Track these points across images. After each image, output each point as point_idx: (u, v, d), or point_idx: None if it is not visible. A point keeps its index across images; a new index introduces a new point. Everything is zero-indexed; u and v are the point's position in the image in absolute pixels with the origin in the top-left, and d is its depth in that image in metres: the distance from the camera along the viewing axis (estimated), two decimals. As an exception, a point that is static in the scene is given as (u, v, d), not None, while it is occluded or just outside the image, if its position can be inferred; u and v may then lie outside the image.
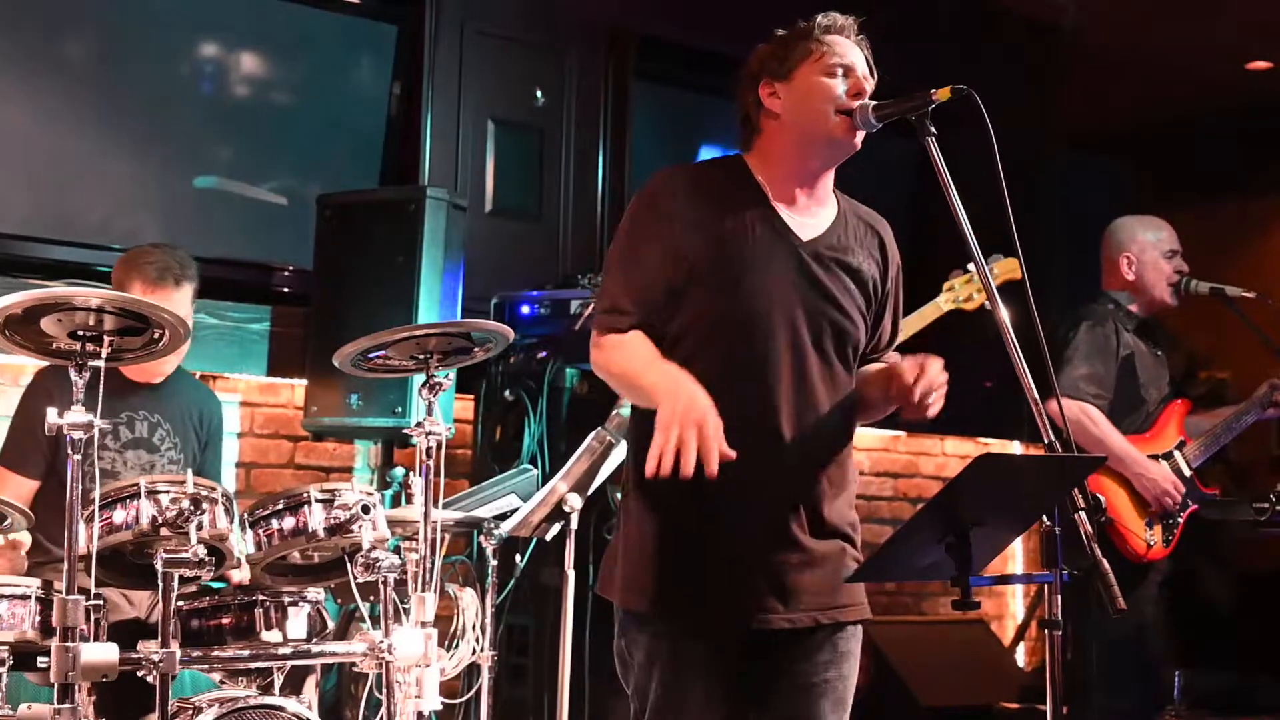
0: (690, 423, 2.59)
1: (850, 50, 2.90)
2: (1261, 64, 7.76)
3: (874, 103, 2.83)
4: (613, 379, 2.87)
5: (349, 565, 3.47)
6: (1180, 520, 4.73)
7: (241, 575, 3.86)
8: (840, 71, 2.86)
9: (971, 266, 3.79)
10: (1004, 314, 2.69)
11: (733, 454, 2.59)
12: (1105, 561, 2.50)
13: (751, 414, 2.79)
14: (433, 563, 3.51)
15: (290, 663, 3.58)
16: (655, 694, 2.81)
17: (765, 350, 2.82)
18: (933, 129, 2.76)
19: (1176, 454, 4.80)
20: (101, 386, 2.94)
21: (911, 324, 4.39)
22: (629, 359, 2.81)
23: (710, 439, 2.58)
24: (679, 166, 3.00)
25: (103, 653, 2.95)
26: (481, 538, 4.20)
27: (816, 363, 2.86)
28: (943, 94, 2.72)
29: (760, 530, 2.82)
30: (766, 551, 2.82)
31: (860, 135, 2.87)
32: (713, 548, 2.80)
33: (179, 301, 4.10)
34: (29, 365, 4.59)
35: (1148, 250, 4.91)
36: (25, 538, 3.82)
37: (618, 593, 2.88)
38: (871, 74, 2.92)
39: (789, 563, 2.82)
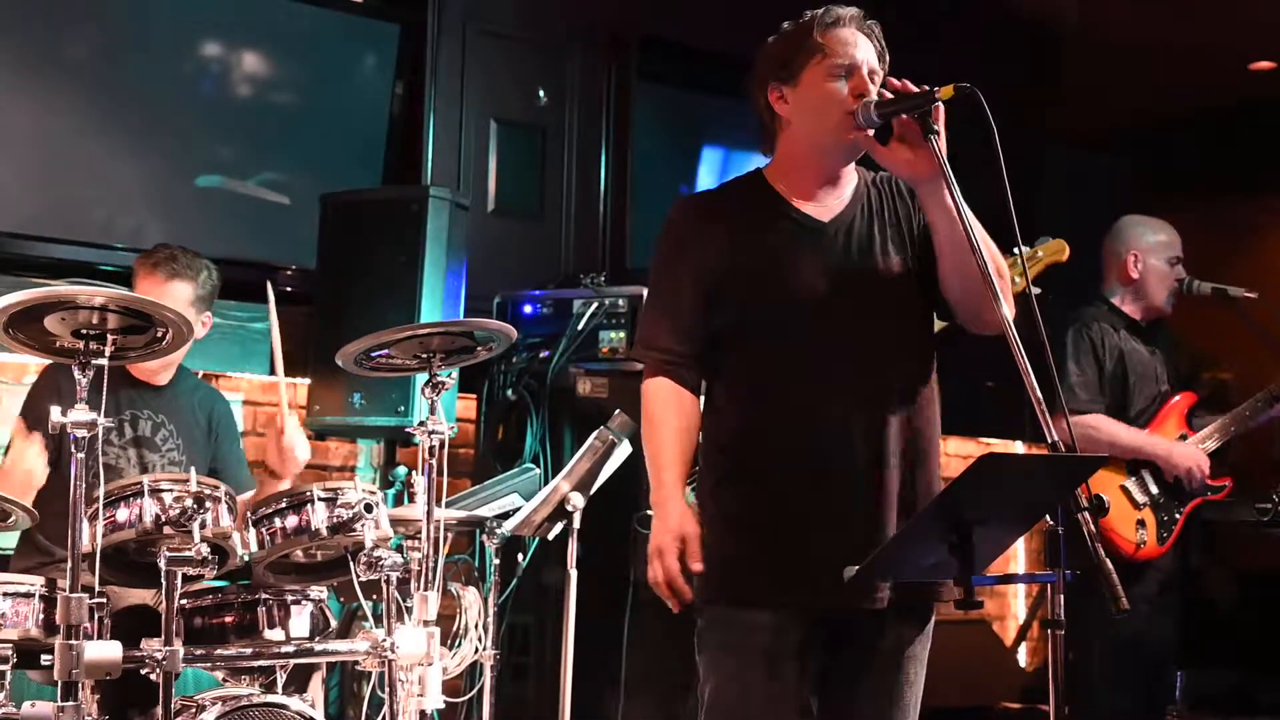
0: (655, 556, 2.85)
1: (853, 45, 2.87)
2: (1264, 64, 7.76)
3: (875, 99, 2.83)
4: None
5: (352, 564, 3.48)
6: (1179, 517, 4.73)
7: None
8: (843, 73, 2.86)
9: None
10: (1008, 314, 2.69)
11: (699, 567, 2.83)
12: (1108, 561, 2.50)
13: (810, 404, 2.84)
14: (435, 561, 3.52)
15: (293, 661, 3.58)
16: (719, 678, 2.84)
17: (810, 336, 2.84)
18: (936, 127, 2.76)
19: (1167, 440, 4.79)
20: (105, 384, 2.94)
21: None
22: (649, 441, 2.98)
23: (669, 570, 2.83)
24: (695, 193, 3.15)
25: (106, 651, 2.96)
26: (484, 537, 4.21)
27: (867, 337, 2.86)
28: (946, 92, 2.72)
29: (848, 511, 2.82)
30: (856, 531, 2.80)
31: (869, 134, 2.86)
32: (785, 533, 2.83)
33: (166, 294, 4.08)
34: (32, 364, 4.59)
35: (1154, 252, 4.91)
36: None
37: (695, 589, 2.88)
38: (883, 59, 2.91)
39: (867, 544, 2.78)
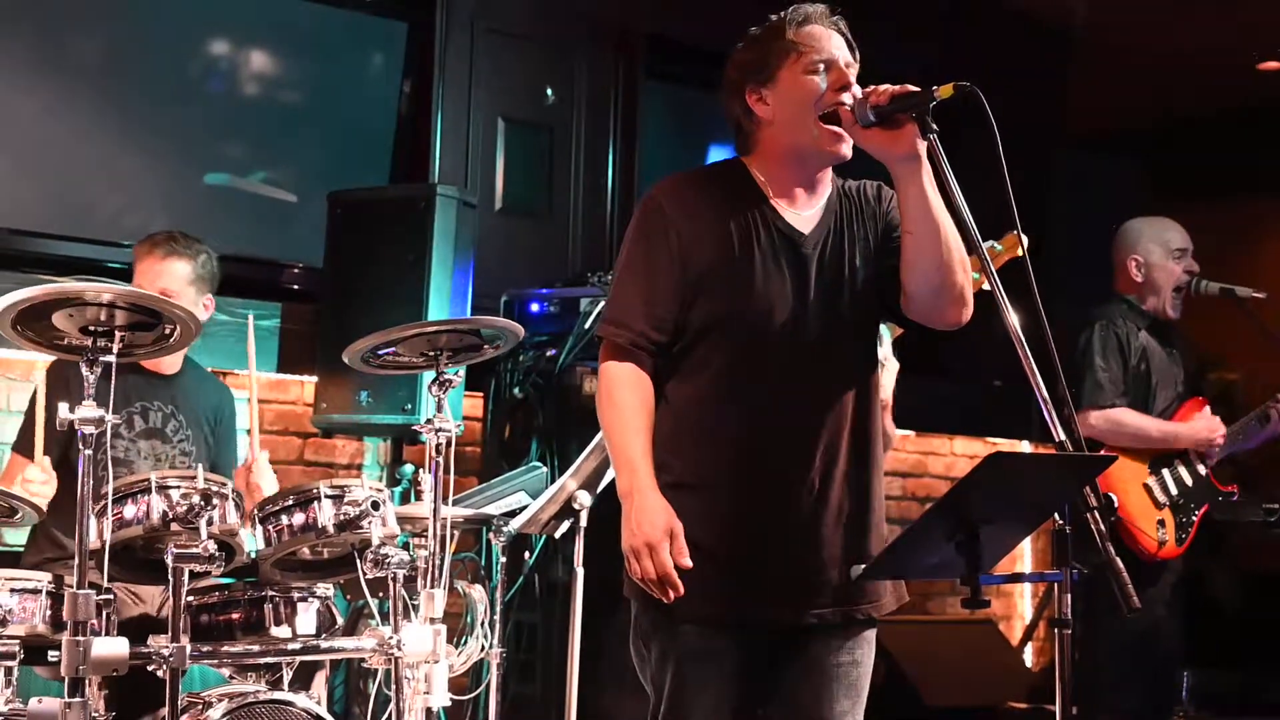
0: (645, 552, 2.75)
1: (828, 40, 2.89)
2: (1273, 64, 7.75)
3: (871, 89, 2.81)
4: (600, 420, 2.93)
5: (358, 561, 3.48)
6: (1195, 519, 4.74)
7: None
8: (822, 68, 2.87)
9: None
10: (1013, 318, 2.67)
11: (689, 563, 2.74)
12: (1119, 560, 2.50)
13: (769, 411, 2.85)
14: (442, 559, 3.52)
15: (299, 658, 3.58)
16: (670, 686, 2.84)
17: (777, 348, 2.85)
18: (934, 126, 2.74)
19: (1191, 452, 4.81)
20: (114, 380, 2.95)
21: None
22: (615, 427, 2.88)
23: (662, 566, 2.74)
24: (678, 175, 3.03)
25: (113, 647, 2.96)
26: (490, 535, 4.21)
27: (828, 353, 2.88)
28: (945, 91, 2.70)
29: (782, 526, 2.84)
30: (789, 547, 2.84)
31: (847, 146, 2.86)
32: (733, 545, 2.83)
33: (164, 272, 4.15)
34: (40, 361, 4.60)
35: (1154, 252, 4.92)
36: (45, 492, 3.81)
37: (634, 588, 2.88)
38: (853, 53, 2.92)
39: (810, 558, 2.84)
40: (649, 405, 2.89)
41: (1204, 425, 4.80)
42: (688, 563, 2.75)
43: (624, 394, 2.88)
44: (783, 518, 2.84)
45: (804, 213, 2.94)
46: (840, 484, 2.88)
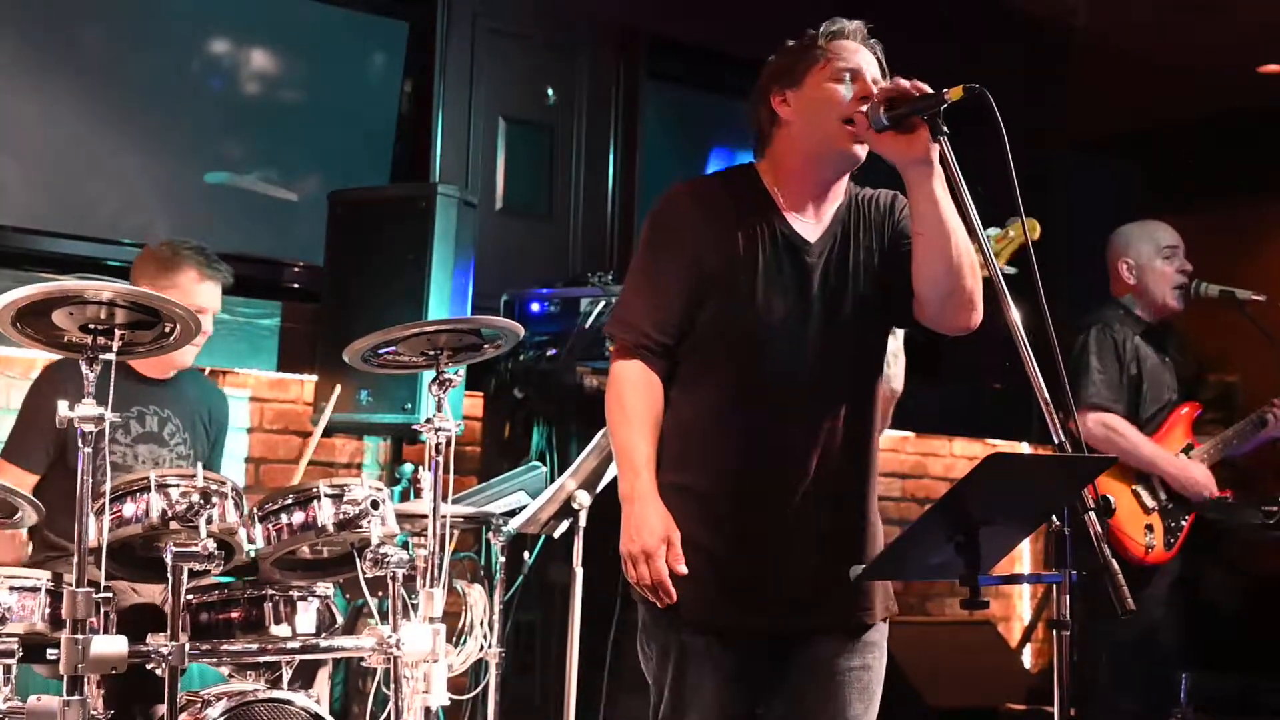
0: (641, 559, 2.80)
1: (857, 54, 2.91)
2: (1274, 67, 7.75)
3: (883, 87, 2.82)
4: (607, 420, 2.95)
5: (358, 560, 3.48)
6: (1185, 523, 4.74)
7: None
8: (847, 77, 2.88)
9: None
10: (1015, 315, 2.67)
11: (684, 570, 2.78)
12: (1115, 562, 2.50)
13: (768, 419, 2.86)
14: (441, 558, 3.52)
15: (299, 657, 3.58)
16: (670, 684, 2.86)
17: (777, 356, 2.86)
18: (945, 128, 2.75)
19: (1183, 457, 4.81)
20: (112, 380, 2.95)
21: None
22: (621, 429, 2.91)
23: (658, 573, 2.78)
24: (690, 182, 3.05)
25: (112, 645, 2.96)
26: (490, 534, 4.21)
27: (828, 362, 2.89)
28: (955, 93, 2.72)
29: (780, 534, 2.86)
30: (789, 555, 2.86)
31: (863, 148, 2.87)
32: (732, 551, 2.85)
33: (218, 297, 4.26)
34: (39, 359, 4.60)
35: (1144, 253, 4.93)
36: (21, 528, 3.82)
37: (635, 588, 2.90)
38: (884, 76, 2.93)
39: (811, 567, 2.85)
40: (656, 408, 2.91)
41: (1195, 477, 4.77)
42: (683, 570, 2.78)
43: (631, 396, 2.90)
44: (779, 525, 2.86)
45: (812, 221, 2.95)
46: (836, 491, 2.90)
